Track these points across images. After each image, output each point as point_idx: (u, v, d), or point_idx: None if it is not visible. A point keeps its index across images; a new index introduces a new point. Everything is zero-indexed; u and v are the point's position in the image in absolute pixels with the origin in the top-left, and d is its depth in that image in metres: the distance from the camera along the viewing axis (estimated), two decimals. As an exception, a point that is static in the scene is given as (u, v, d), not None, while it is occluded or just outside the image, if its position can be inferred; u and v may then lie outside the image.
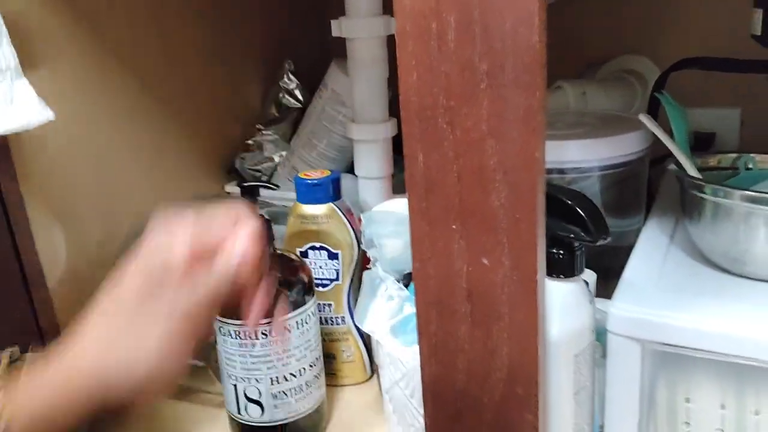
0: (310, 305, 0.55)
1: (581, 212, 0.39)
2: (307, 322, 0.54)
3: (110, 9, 0.63)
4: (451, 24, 0.29)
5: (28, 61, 0.55)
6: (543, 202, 0.32)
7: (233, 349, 0.53)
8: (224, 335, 0.53)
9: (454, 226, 0.33)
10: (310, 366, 0.55)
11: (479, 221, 0.32)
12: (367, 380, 0.65)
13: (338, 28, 0.61)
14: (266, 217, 0.50)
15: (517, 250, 0.32)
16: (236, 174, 0.82)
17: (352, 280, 0.63)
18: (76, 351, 0.35)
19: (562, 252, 0.41)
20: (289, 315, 0.52)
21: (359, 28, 0.60)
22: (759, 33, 0.49)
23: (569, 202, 0.40)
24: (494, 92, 0.30)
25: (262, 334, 0.51)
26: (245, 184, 0.54)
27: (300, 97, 0.81)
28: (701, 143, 0.77)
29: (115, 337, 0.36)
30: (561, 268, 0.41)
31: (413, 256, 0.35)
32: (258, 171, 0.81)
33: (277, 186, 0.56)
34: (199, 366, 0.62)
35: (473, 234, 0.33)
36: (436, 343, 0.37)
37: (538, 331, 0.33)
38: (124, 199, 0.66)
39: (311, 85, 0.80)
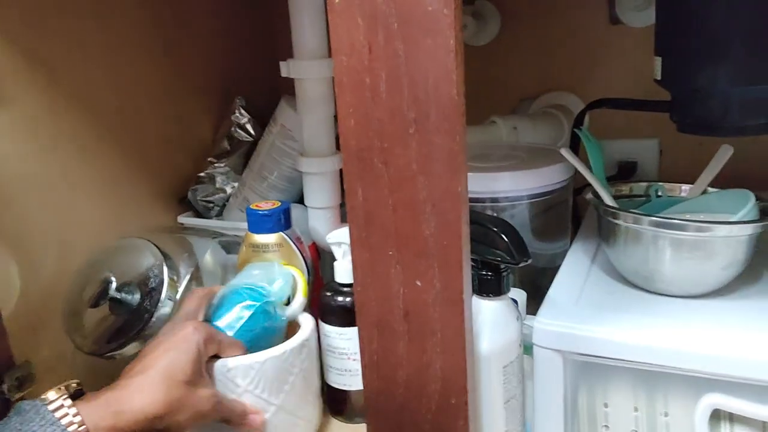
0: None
1: (504, 238, 0.44)
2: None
3: (67, 55, 0.66)
4: (383, 78, 0.34)
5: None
6: (468, 231, 0.37)
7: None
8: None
9: (390, 253, 0.37)
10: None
11: (413, 248, 0.37)
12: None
13: (286, 69, 0.65)
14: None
15: (445, 273, 0.37)
16: (188, 205, 0.84)
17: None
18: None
19: (490, 274, 0.46)
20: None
21: (306, 69, 0.64)
22: (659, 78, 0.55)
23: (494, 230, 0.45)
24: (421, 137, 0.34)
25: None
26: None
27: (251, 131, 0.85)
28: (624, 172, 0.84)
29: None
30: (490, 288, 0.46)
31: (355, 280, 0.39)
32: (210, 202, 0.84)
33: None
34: None
35: (408, 259, 0.37)
36: (377, 360, 0.40)
37: (465, 345, 0.38)
38: (78, 230, 0.68)
39: (262, 119, 0.84)
